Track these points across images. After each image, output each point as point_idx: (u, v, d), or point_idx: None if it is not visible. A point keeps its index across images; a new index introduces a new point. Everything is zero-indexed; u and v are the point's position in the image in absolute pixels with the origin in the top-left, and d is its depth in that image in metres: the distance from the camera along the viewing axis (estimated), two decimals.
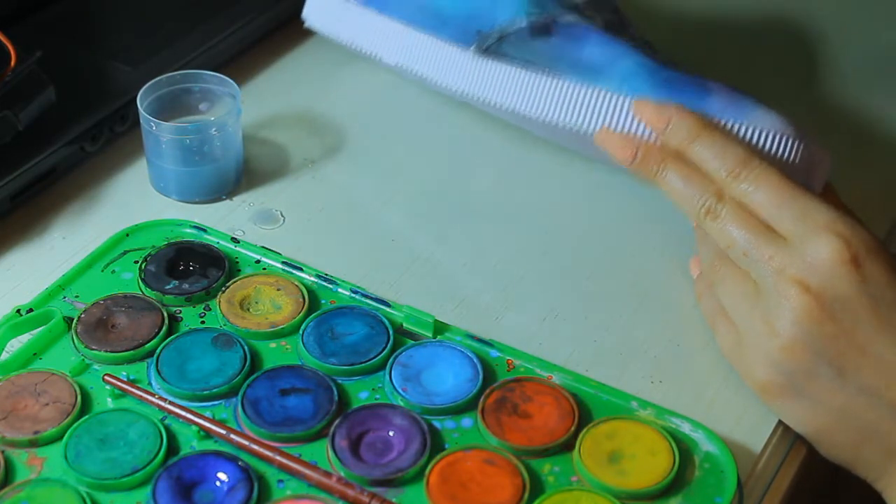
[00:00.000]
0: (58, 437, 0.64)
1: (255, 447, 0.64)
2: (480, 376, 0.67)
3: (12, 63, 0.75)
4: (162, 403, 0.65)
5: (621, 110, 0.72)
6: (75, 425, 0.64)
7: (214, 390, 0.66)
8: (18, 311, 0.69)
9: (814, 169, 0.71)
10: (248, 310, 0.71)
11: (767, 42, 0.95)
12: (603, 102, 0.73)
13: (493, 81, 0.76)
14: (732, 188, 0.68)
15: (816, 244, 0.64)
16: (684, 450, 0.64)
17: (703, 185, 0.69)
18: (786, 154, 0.71)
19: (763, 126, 0.71)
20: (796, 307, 0.64)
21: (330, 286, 0.72)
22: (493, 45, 0.76)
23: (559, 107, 0.74)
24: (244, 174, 0.81)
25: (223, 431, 0.64)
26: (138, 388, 0.66)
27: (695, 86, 0.72)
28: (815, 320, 0.63)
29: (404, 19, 0.80)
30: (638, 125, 0.72)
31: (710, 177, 0.69)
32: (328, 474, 0.63)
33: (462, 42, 0.78)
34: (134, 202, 0.79)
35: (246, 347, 0.68)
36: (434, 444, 0.64)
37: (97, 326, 0.69)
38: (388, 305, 0.71)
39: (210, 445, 0.64)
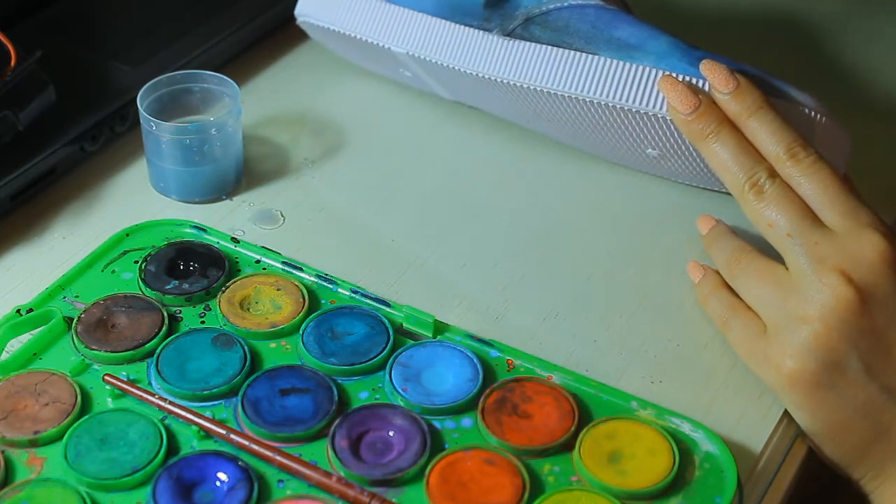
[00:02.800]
0: (58, 437, 0.64)
1: (255, 447, 0.64)
2: (480, 376, 0.67)
3: (12, 63, 0.75)
4: (162, 403, 0.65)
5: (657, 87, 0.72)
6: (75, 425, 0.64)
7: (214, 390, 0.66)
8: (18, 311, 0.69)
9: (838, 151, 0.72)
10: (248, 310, 0.71)
11: (766, 43, 0.95)
12: (643, 78, 0.72)
13: (523, 63, 0.75)
14: (783, 168, 0.68)
15: (863, 240, 0.65)
16: (684, 450, 0.64)
17: (754, 159, 0.68)
18: (817, 130, 0.71)
19: (798, 100, 0.71)
20: (837, 296, 0.64)
21: (330, 286, 0.72)
22: (519, 28, 0.75)
23: (598, 83, 0.73)
24: (244, 174, 0.81)
25: (223, 431, 0.64)
26: (138, 388, 0.66)
27: (730, 64, 0.72)
28: (854, 312, 0.64)
29: (413, 6, 0.79)
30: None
31: (764, 153, 0.69)
32: (328, 474, 0.63)
33: (480, 26, 0.76)
34: (134, 202, 0.79)
35: (246, 347, 0.68)
36: (434, 444, 0.64)
37: (97, 326, 0.69)
38: (388, 305, 0.71)
39: (210, 445, 0.64)
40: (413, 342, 0.69)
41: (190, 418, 0.65)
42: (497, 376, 0.68)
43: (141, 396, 0.66)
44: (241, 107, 0.79)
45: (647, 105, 0.72)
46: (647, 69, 0.72)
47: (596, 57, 0.73)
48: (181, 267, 0.73)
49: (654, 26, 0.74)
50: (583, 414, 0.66)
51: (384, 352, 0.68)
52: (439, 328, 0.70)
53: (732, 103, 0.70)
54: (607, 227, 0.78)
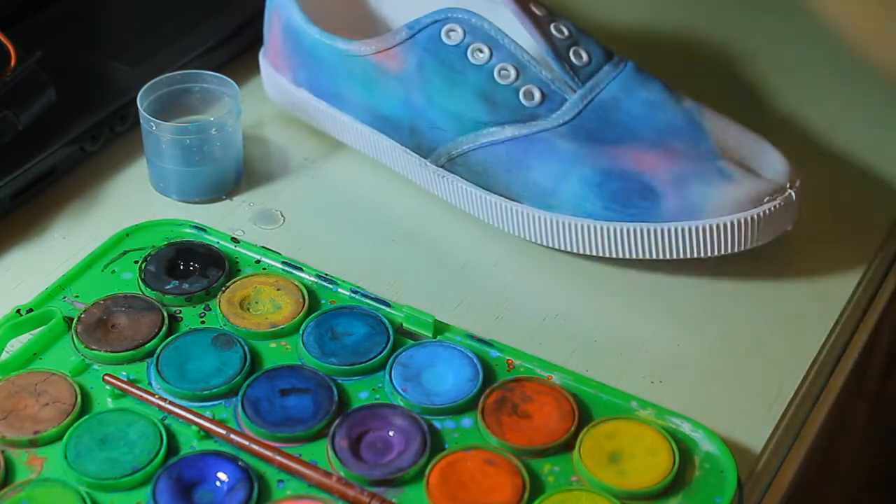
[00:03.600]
0: (58, 437, 0.64)
1: (255, 447, 0.64)
2: (480, 376, 0.67)
3: (12, 63, 0.75)
4: (162, 403, 0.65)
5: (578, 235, 0.73)
6: (75, 425, 0.64)
7: (214, 390, 0.66)
8: (18, 311, 0.69)
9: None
10: (248, 310, 0.71)
11: (758, 45, 0.95)
12: (561, 228, 0.74)
13: (455, 193, 0.77)
14: None
15: None
16: (684, 450, 0.64)
17: None
18: (744, 236, 0.72)
19: (719, 215, 0.71)
20: None
21: (330, 286, 0.72)
22: (447, 164, 0.76)
23: (521, 227, 0.75)
24: (244, 174, 0.81)
25: (223, 431, 0.64)
26: (138, 388, 0.66)
27: (643, 195, 0.72)
28: None
29: (354, 116, 0.79)
30: (591, 246, 0.73)
31: None
32: (328, 474, 0.63)
33: (415, 151, 0.77)
34: (134, 202, 0.79)
35: (246, 347, 0.68)
36: (434, 444, 0.64)
37: (97, 326, 0.69)
38: (388, 305, 0.71)
39: (210, 445, 0.64)
40: (413, 342, 0.69)
41: (190, 418, 0.65)
42: (497, 376, 0.68)
43: (141, 396, 0.66)
44: (241, 107, 0.79)
45: (568, 247, 0.74)
46: (565, 221, 0.73)
47: (517, 206, 0.75)
48: (181, 267, 0.73)
49: (565, 151, 0.74)
50: (583, 414, 0.66)
51: (384, 352, 0.68)
52: (439, 328, 0.70)
53: None
54: None
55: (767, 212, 0.71)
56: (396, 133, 0.78)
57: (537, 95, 0.75)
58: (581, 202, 0.73)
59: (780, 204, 0.72)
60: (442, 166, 0.76)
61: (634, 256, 0.73)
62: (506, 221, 0.76)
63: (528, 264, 0.76)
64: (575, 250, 0.74)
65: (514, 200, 0.75)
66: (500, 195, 0.75)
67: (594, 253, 0.74)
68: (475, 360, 0.68)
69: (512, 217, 0.75)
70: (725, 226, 0.71)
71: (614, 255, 0.73)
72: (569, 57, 0.75)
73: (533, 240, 0.75)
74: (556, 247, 0.75)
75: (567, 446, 0.64)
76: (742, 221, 0.71)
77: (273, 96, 0.84)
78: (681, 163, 0.73)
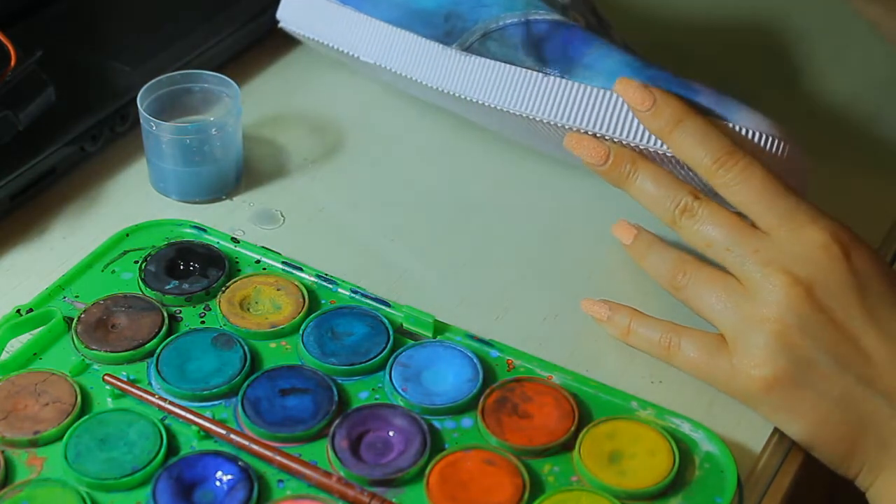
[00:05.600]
0: (58, 437, 0.64)
1: (255, 447, 0.64)
2: (480, 376, 0.67)
3: (12, 63, 0.75)
4: (162, 403, 0.65)
5: (607, 107, 0.72)
6: (75, 425, 0.64)
7: (214, 390, 0.66)
8: (18, 311, 0.69)
9: (795, 172, 0.72)
10: (248, 310, 0.71)
11: (760, 43, 0.95)
12: (590, 98, 0.72)
13: (476, 78, 0.75)
14: (714, 179, 0.68)
15: (804, 238, 0.65)
16: (684, 450, 0.64)
17: (677, 185, 0.69)
18: (769, 153, 0.71)
19: (749, 125, 0.71)
20: (789, 294, 0.64)
21: (330, 286, 0.72)
22: (476, 43, 0.75)
23: (546, 103, 0.73)
24: (244, 174, 0.81)
25: (223, 431, 0.64)
26: (138, 388, 0.66)
27: (680, 85, 0.72)
28: (808, 307, 0.64)
29: (382, 17, 0.79)
30: (620, 126, 0.71)
31: (692, 165, 0.69)
32: (328, 474, 0.63)
33: (441, 39, 0.77)
34: (134, 202, 0.79)
35: (246, 347, 0.68)
36: (434, 444, 0.64)
37: (97, 326, 0.69)
38: (388, 305, 0.71)
39: (210, 445, 0.64)
40: (413, 342, 0.69)
41: (190, 418, 0.65)
42: (497, 376, 0.68)
43: (141, 396, 0.66)
44: (241, 107, 0.79)
45: (594, 126, 0.72)
46: (595, 90, 0.72)
47: (544, 76, 0.73)
48: (181, 267, 0.73)
49: (609, 44, 0.74)
50: (583, 414, 0.66)
51: (384, 352, 0.68)
52: (439, 328, 0.70)
53: (653, 120, 0.70)
54: (607, 225, 0.78)
55: (790, 148, 0.71)
56: (425, 25, 0.77)
57: (582, 24, 0.75)
58: (615, 76, 0.72)
59: (801, 156, 0.71)
60: (468, 48, 0.75)
61: (650, 146, 0.71)
62: (528, 97, 0.73)
63: (528, 264, 0.76)
64: (598, 129, 0.72)
65: (541, 72, 0.74)
66: (527, 68, 0.74)
67: (615, 134, 0.71)
68: (475, 360, 0.68)
69: (535, 90, 0.73)
70: (754, 134, 0.70)
71: (634, 141, 0.71)
72: None
73: (553, 117, 0.73)
74: (579, 125, 0.72)
75: (567, 446, 0.64)
76: (771, 138, 0.70)
77: (287, 22, 0.84)
78: (724, 94, 0.72)
